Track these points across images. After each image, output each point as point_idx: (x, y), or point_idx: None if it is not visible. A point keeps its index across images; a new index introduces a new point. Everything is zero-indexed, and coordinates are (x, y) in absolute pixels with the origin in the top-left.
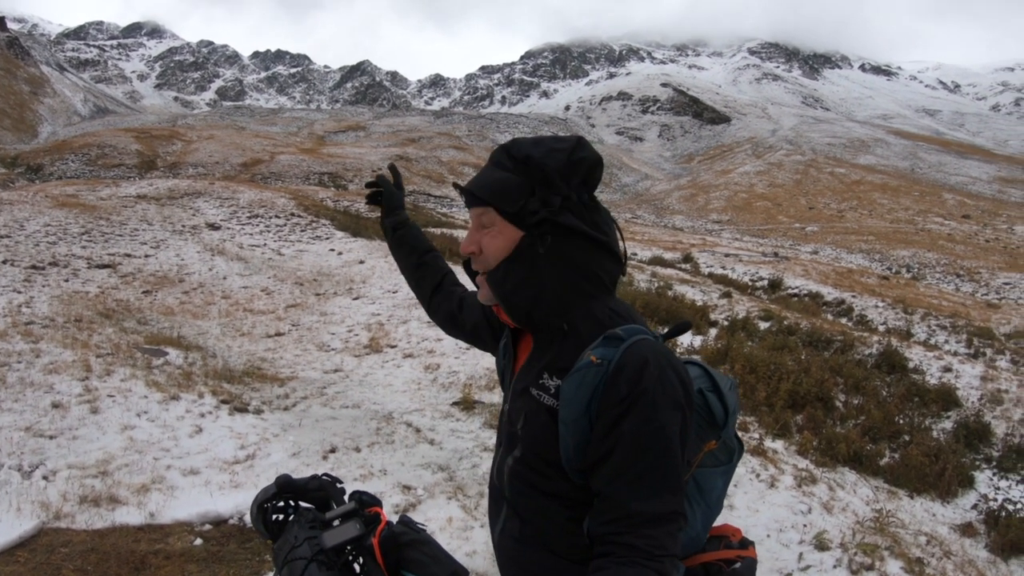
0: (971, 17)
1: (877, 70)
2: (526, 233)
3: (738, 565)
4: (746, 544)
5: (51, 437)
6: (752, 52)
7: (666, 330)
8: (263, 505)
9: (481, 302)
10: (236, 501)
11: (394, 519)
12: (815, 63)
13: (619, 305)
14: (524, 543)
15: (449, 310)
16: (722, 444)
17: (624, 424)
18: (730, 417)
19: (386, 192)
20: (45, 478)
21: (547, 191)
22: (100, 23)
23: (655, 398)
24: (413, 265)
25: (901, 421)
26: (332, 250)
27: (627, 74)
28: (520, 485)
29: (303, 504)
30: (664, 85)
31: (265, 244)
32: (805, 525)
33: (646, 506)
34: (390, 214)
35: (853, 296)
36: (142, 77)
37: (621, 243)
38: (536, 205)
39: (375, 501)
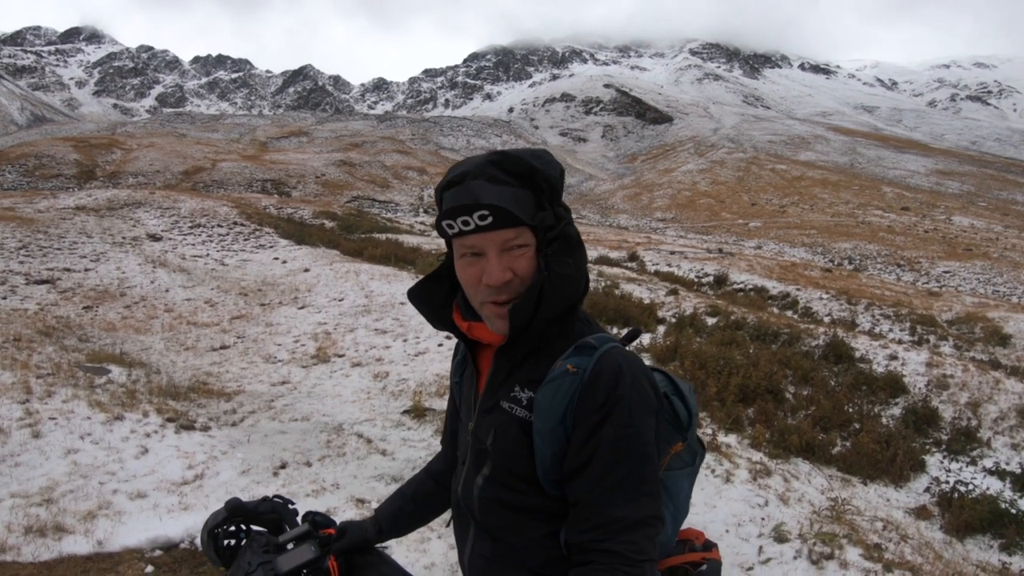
0: (918, 18)
1: (816, 69)
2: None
3: (704, 567)
4: (710, 546)
5: None
6: (694, 53)
7: (622, 337)
8: (214, 531)
9: (497, 334)
10: (186, 524)
11: None
12: (756, 63)
13: (583, 313)
14: (497, 562)
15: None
16: (687, 446)
17: (602, 431)
18: (693, 419)
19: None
20: None
21: (554, 204)
22: (38, 28)
23: (631, 404)
24: (422, 509)
25: (851, 410)
26: (276, 259)
27: (570, 76)
28: (491, 504)
29: (255, 528)
30: (607, 86)
31: (208, 254)
32: (763, 518)
33: (625, 512)
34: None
35: (798, 289)
36: (80, 84)
37: None
38: (551, 219)
39: (329, 522)
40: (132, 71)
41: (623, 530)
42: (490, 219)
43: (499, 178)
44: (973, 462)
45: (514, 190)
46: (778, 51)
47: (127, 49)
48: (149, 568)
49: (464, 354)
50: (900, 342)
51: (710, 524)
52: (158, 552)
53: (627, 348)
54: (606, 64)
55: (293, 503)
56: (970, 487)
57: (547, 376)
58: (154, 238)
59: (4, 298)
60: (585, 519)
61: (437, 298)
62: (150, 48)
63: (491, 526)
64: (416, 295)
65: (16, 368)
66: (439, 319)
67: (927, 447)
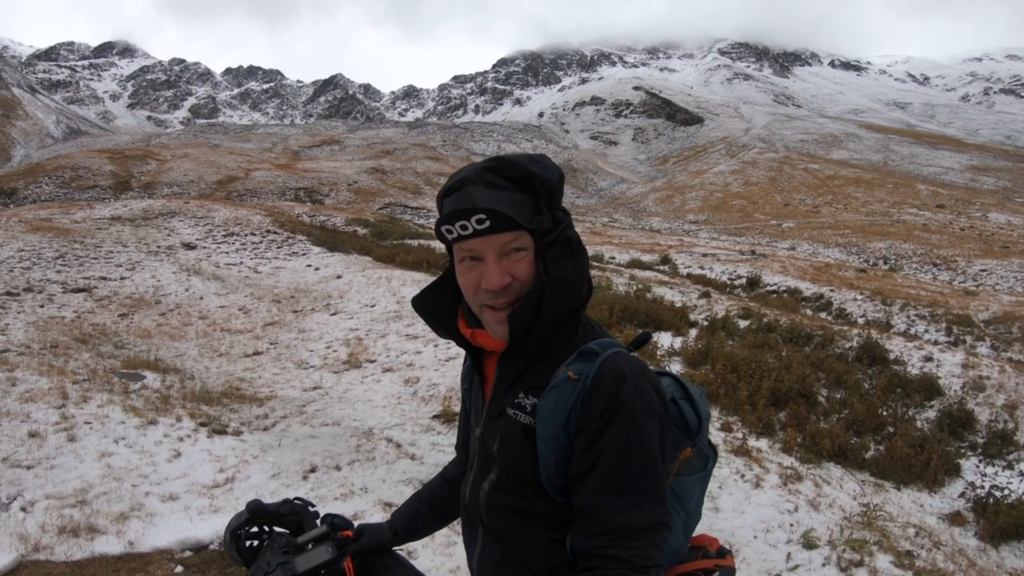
0: (951, 12)
1: (847, 66)
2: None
3: (716, 574)
4: (724, 553)
5: (28, 467)
6: (723, 52)
7: (630, 342)
8: (236, 531)
9: (497, 339)
10: (216, 526)
11: None
12: (785, 61)
13: (587, 319)
14: (504, 566)
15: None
16: (697, 451)
17: (605, 437)
18: (703, 424)
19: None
20: (23, 509)
21: (552, 208)
22: (71, 43)
23: (634, 410)
24: (437, 513)
25: (884, 413)
26: (309, 266)
27: (599, 79)
28: (498, 509)
29: (277, 529)
30: (636, 88)
31: (241, 262)
32: (792, 524)
33: (630, 518)
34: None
35: (831, 290)
36: (114, 97)
37: None
38: (549, 223)
39: (347, 524)
40: (165, 84)
41: (628, 536)
42: (487, 223)
43: (496, 183)
44: (1010, 466)
45: (511, 194)
46: (807, 49)
47: (160, 62)
48: (179, 568)
49: (470, 360)
50: (935, 343)
51: (739, 530)
52: (188, 553)
53: (633, 353)
54: (635, 66)
55: (313, 505)
56: (1006, 492)
57: (550, 382)
58: (188, 247)
59: (42, 306)
60: (590, 525)
61: (442, 306)
62: (182, 61)
63: (498, 531)
64: (420, 303)
65: (53, 374)
66: (443, 327)
67: (962, 451)
